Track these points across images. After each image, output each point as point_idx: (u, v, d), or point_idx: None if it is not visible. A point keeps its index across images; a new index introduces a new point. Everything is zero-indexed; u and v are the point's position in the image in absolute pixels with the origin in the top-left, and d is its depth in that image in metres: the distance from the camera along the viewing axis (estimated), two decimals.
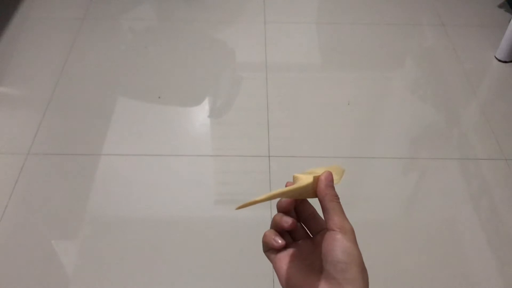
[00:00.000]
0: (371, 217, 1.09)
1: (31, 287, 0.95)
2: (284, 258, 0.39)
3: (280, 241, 0.38)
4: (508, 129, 1.28)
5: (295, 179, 0.39)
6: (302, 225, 0.42)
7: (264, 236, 0.40)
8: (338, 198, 0.38)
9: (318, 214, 0.41)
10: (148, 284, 0.97)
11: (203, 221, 1.07)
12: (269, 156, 1.18)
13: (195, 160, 1.19)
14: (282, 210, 0.41)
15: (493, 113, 1.32)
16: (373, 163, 1.20)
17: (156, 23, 1.62)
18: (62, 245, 1.03)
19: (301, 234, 0.41)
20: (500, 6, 1.70)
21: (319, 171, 0.39)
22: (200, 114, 1.31)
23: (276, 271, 0.39)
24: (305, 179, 0.37)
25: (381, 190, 1.14)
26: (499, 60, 1.48)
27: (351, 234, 0.36)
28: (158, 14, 1.65)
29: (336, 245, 0.35)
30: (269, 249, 0.40)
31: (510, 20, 1.43)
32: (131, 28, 1.58)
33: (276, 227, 0.40)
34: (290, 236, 0.41)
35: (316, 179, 0.38)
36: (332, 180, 0.39)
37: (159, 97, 1.34)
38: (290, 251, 0.39)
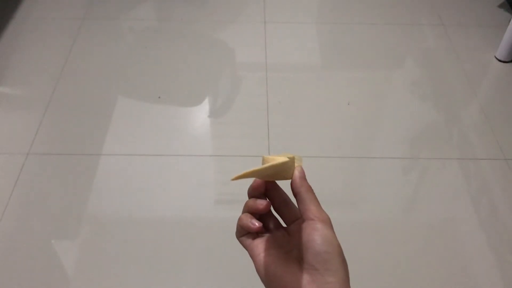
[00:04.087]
0: (371, 217, 1.09)
1: (31, 287, 0.95)
2: (260, 244, 0.38)
3: (257, 224, 0.37)
4: (508, 129, 1.28)
5: (265, 161, 0.38)
6: (274, 215, 0.41)
7: (239, 219, 0.39)
8: (313, 190, 0.38)
9: (291, 201, 0.40)
10: (148, 284, 0.97)
11: (203, 221, 1.07)
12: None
13: (195, 160, 1.19)
14: (252, 193, 0.40)
15: (493, 113, 1.32)
16: (373, 163, 1.20)
17: (156, 23, 1.62)
18: (62, 245, 1.02)
19: (273, 223, 0.41)
20: (500, 6, 1.70)
21: (279, 158, 0.38)
22: (200, 114, 1.31)
23: (252, 258, 0.38)
24: (279, 159, 0.37)
25: (381, 190, 1.14)
26: (499, 60, 1.48)
27: (330, 224, 0.35)
28: (158, 14, 1.65)
29: (317, 235, 0.34)
30: (244, 234, 0.39)
31: (510, 20, 1.43)
32: (131, 28, 1.58)
33: (250, 212, 0.39)
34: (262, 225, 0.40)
35: (292, 161, 0.38)
36: (304, 173, 0.38)
37: (159, 97, 1.34)
38: (265, 238, 0.39)
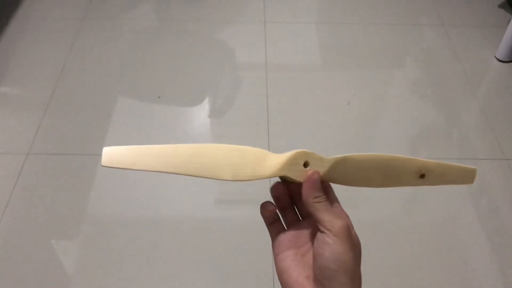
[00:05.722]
0: (371, 217, 1.09)
1: (31, 287, 0.95)
2: (282, 241, 0.38)
3: (270, 207, 0.38)
4: (508, 129, 1.28)
5: (295, 156, 0.37)
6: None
7: (260, 207, 0.39)
8: (322, 196, 0.36)
9: (329, 190, 0.40)
10: (148, 284, 0.97)
11: (203, 221, 1.07)
12: None
13: None
14: (275, 193, 0.40)
15: (493, 113, 1.32)
16: None
17: (156, 23, 1.61)
18: (62, 245, 1.02)
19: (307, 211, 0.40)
20: (500, 6, 1.70)
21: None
22: (200, 114, 1.31)
23: (273, 254, 0.38)
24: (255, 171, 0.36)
25: (381, 190, 1.14)
26: (499, 60, 1.48)
27: (344, 234, 0.33)
28: (158, 14, 1.65)
29: (326, 250, 0.33)
30: (271, 222, 0.39)
31: (510, 20, 1.43)
32: (131, 28, 1.58)
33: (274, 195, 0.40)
34: (297, 211, 0.40)
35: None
36: (315, 181, 0.36)
37: (159, 97, 1.34)
38: (290, 234, 0.38)
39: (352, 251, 0.33)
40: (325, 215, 0.35)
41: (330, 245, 0.33)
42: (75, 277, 0.97)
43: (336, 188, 0.39)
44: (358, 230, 0.36)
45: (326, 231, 0.34)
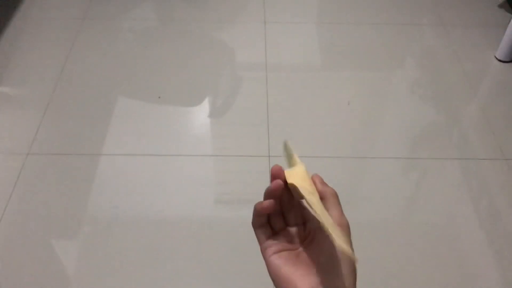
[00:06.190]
0: (371, 217, 1.09)
1: (31, 287, 0.95)
2: (273, 245, 0.39)
3: (267, 203, 0.37)
4: (508, 129, 1.28)
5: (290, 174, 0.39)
6: (295, 210, 0.41)
7: (254, 207, 0.39)
8: (336, 194, 0.39)
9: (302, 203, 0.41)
10: (148, 284, 0.97)
11: (203, 221, 1.07)
12: (269, 156, 1.18)
13: (195, 160, 1.19)
14: (268, 196, 0.39)
15: (493, 113, 1.32)
16: (373, 163, 1.20)
17: (156, 23, 1.62)
18: (62, 245, 1.03)
19: (295, 219, 0.41)
20: (500, 6, 1.70)
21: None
22: (200, 114, 1.31)
23: (264, 258, 0.39)
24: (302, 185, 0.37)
25: (381, 190, 1.14)
26: (499, 60, 1.48)
27: (348, 230, 0.37)
28: (158, 14, 1.65)
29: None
30: (260, 226, 0.39)
31: (510, 20, 1.43)
32: (131, 28, 1.58)
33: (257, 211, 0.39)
34: (284, 220, 0.41)
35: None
36: (318, 176, 0.40)
37: (159, 97, 1.34)
38: (280, 238, 0.39)
39: (351, 247, 0.35)
40: (336, 210, 0.38)
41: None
42: (75, 277, 0.97)
43: (336, 188, 0.40)
44: (358, 230, 0.37)
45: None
